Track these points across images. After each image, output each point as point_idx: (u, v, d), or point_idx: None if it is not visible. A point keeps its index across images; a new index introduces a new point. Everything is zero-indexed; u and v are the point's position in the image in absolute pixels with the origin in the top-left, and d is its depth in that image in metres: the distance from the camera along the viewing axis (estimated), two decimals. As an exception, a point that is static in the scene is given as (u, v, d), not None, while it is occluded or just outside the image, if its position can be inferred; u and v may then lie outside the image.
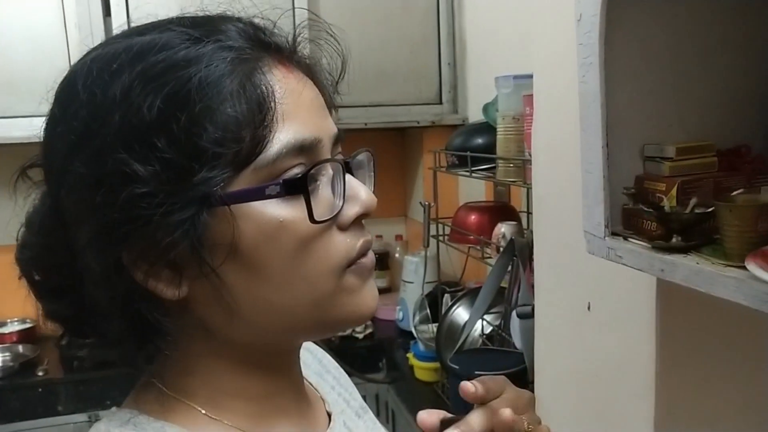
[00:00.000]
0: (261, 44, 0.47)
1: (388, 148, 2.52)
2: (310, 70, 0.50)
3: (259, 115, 0.43)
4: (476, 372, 1.11)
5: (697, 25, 0.64)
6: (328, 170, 0.47)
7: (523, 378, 1.15)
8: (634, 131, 0.66)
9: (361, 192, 0.48)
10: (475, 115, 1.99)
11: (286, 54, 0.48)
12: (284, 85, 0.46)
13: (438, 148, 1.72)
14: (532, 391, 1.05)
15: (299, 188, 0.44)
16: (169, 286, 0.45)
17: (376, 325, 2.22)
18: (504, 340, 1.33)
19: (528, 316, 1.12)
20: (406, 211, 2.64)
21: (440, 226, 1.74)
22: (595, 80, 0.62)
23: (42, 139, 0.48)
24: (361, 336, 2.13)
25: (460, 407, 1.21)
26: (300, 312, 0.47)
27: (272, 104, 0.44)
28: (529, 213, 1.58)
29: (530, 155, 1.15)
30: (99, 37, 1.87)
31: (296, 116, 0.45)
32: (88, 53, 0.48)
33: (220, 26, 0.46)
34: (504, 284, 1.39)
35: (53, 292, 0.49)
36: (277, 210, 0.44)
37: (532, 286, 1.13)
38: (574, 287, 0.91)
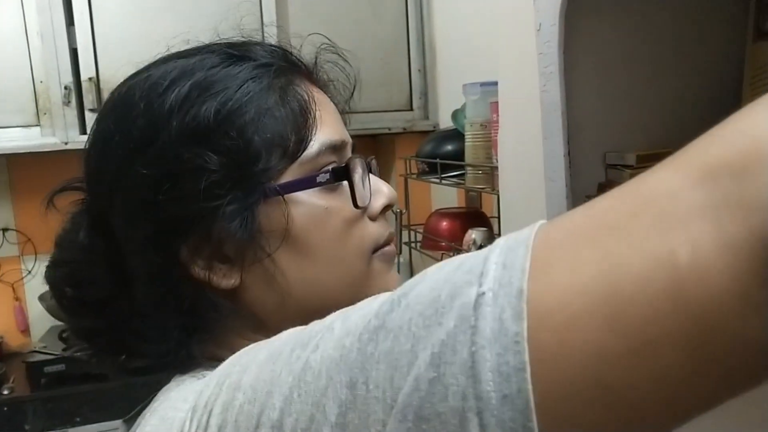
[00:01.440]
0: (291, 63, 0.54)
1: (360, 155, 2.51)
2: (326, 87, 0.58)
3: (301, 118, 0.50)
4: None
5: (654, 32, 0.65)
6: (357, 167, 0.53)
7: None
8: (596, 139, 0.66)
9: (383, 187, 0.56)
10: (446, 121, 2.00)
11: (310, 72, 0.56)
12: (315, 96, 0.53)
13: (409, 155, 1.72)
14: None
15: (345, 176, 0.52)
16: (225, 276, 0.49)
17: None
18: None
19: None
20: (379, 217, 2.63)
21: (413, 233, 1.73)
22: (555, 89, 0.63)
23: (89, 156, 0.52)
24: (335, 344, 2.12)
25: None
26: (341, 291, 0.52)
27: (312, 109, 0.51)
28: (500, 219, 1.59)
29: (498, 162, 1.15)
30: (62, 47, 1.84)
31: (327, 122, 0.53)
32: (135, 75, 0.52)
33: (252, 48, 0.53)
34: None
35: (86, 306, 0.53)
36: (323, 198, 0.51)
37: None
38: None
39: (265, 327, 0.51)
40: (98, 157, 0.52)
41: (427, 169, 1.54)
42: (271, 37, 0.58)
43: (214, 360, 0.50)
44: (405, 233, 1.74)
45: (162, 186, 0.47)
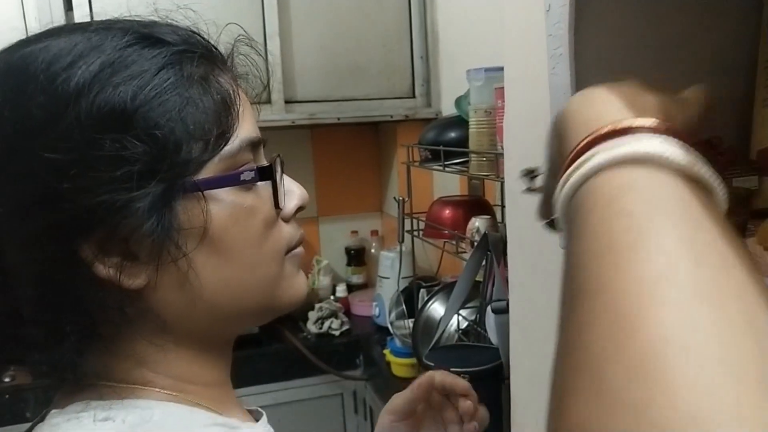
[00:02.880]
0: (207, 50, 0.51)
1: (361, 143, 2.50)
2: (240, 80, 0.55)
3: (224, 111, 0.48)
4: (452, 369, 1.10)
5: (668, 14, 0.63)
6: (278, 167, 0.52)
7: (500, 374, 1.14)
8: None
9: (295, 188, 0.55)
10: (448, 109, 1.98)
11: (226, 63, 0.53)
12: (236, 90, 0.51)
13: (411, 143, 1.71)
14: (509, 387, 1.04)
15: (269, 175, 0.50)
16: (133, 275, 0.45)
17: (352, 321, 2.20)
18: (480, 335, 1.32)
19: (503, 312, 1.11)
20: (381, 206, 2.62)
21: (414, 221, 1.72)
22: (565, 72, 0.61)
23: None
24: (337, 333, 2.12)
25: (437, 404, 1.18)
26: (254, 293, 0.51)
27: (236, 103, 0.49)
28: (503, 206, 1.57)
29: (502, 149, 1.14)
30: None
31: (246, 117, 0.51)
32: (24, 44, 0.46)
33: (164, 30, 0.49)
34: (479, 278, 1.38)
35: None
36: (243, 197, 0.49)
37: (507, 281, 1.11)
38: (549, 281, 0.90)
39: (172, 330, 0.49)
40: None
41: (429, 156, 1.53)
42: (186, 20, 0.53)
43: (109, 380, 0.47)
44: (407, 221, 1.73)
45: (66, 173, 0.42)
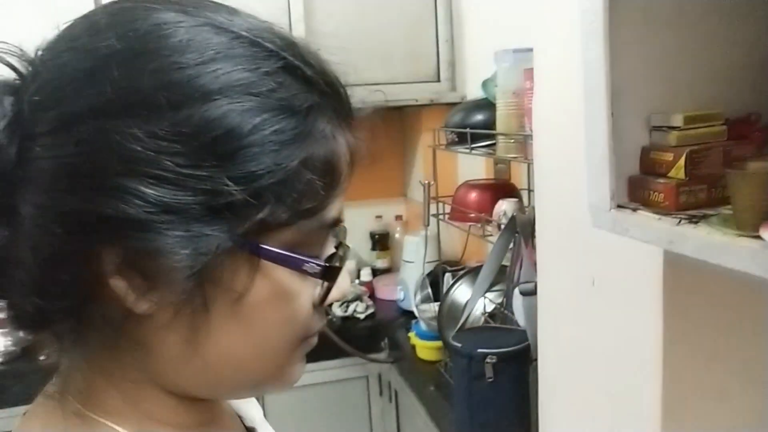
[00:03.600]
0: (342, 106, 0.45)
1: (386, 128, 2.49)
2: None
3: (328, 185, 0.42)
4: (479, 350, 1.10)
5: (705, -12, 0.62)
6: (345, 265, 0.47)
7: (527, 356, 1.14)
8: (640, 100, 0.64)
9: (343, 281, 0.47)
10: (473, 93, 1.97)
11: (352, 123, 0.46)
12: (350, 161, 0.45)
13: (436, 127, 1.70)
14: (536, 369, 1.04)
15: (332, 277, 0.44)
16: (141, 297, 0.40)
17: (377, 305, 2.22)
18: (506, 318, 1.32)
19: (531, 293, 1.11)
20: (405, 191, 2.62)
21: (440, 205, 1.72)
22: (599, 47, 0.60)
23: (60, 64, 0.40)
24: (362, 316, 2.13)
25: (463, 388, 1.20)
26: (254, 371, 0.46)
27: (344, 179, 0.44)
28: (530, 191, 1.56)
29: (531, 130, 1.13)
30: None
31: (340, 193, 0.45)
32: (177, 12, 0.41)
33: (317, 68, 0.44)
34: (506, 262, 1.38)
35: None
36: (295, 280, 0.43)
37: (534, 264, 1.11)
38: (578, 263, 0.89)
39: (156, 370, 0.44)
40: (74, 78, 0.39)
41: (456, 139, 1.53)
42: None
43: (80, 393, 0.44)
44: (432, 205, 1.73)
45: (134, 168, 0.37)
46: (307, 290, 0.44)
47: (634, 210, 0.61)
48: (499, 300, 1.38)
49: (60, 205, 0.38)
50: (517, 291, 1.18)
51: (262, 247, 0.41)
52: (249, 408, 0.61)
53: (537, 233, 1.00)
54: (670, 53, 0.63)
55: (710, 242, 0.51)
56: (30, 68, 0.41)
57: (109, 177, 0.38)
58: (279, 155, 0.40)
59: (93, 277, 0.40)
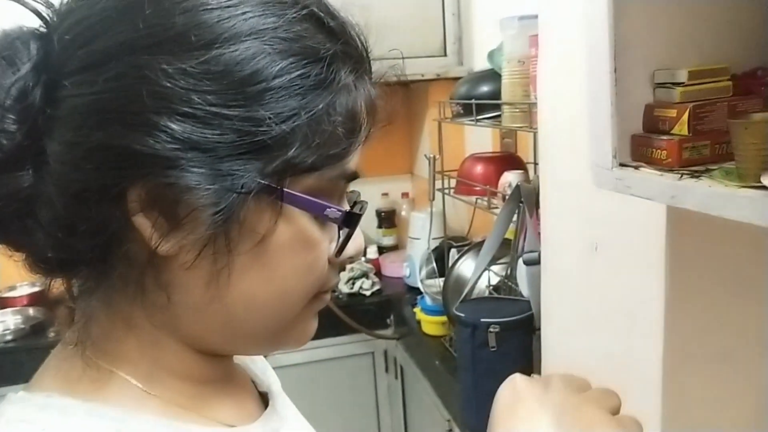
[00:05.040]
0: (362, 58, 0.47)
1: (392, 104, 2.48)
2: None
3: (350, 133, 0.44)
4: (482, 320, 1.10)
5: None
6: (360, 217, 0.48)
7: (530, 325, 1.13)
8: (644, 56, 0.63)
9: (358, 238, 0.49)
10: (480, 67, 1.94)
11: (371, 77, 0.48)
12: (371, 111, 0.47)
13: (443, 100, 1.69)
14: (539, 338, 1.04)
15: (353, 224, 0.46)
16: (164, 237, 0.41)
17: (383, 282, 2.22)
18: (510, 289, 1.31)
19: (534, 263, 1.10)
20: (412, 168, 2.61)
21: (446, 179, 1.71)
22: (602, 1, 0.59)
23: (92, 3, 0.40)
24: (368, 293, 2.13)
25: (467, 358, 1.20)
26: (270, 321, 0.47)
27: (364, 128, 0.45)
28: (536, 164, 1.55)
29: (536, 98, 1.12)
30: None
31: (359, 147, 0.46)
32: None
33: (338, 20, 0.46)
34: (509, 236, 1.37)
35: None
36: (315, 228, 0.45)
37: (539, 233, 1.10)
38: (581, 229, 0.88)
39: (174, 317, 0.45)
40: (106, 16, 0.40)
41: (462, 111, 1.51)
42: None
43: (94, 343, 0.44)
44: (438, 181, 1.72)
45: (166, 105, 0.38)
46: (326, 241, 0.46)
47: (637, 168, 0.60)
48: (504, 272, 1.37)
49: (89, 141, 0.39)
50: (521, 261, 1.17)
51: (286, 191, 0.42)
52: (267, 377, 0.61)
53: (540, 200, 1.00)
54: (675, 8, 0.62)
55: (712, 194, 0.50)
56: (58, 12, 0.42)
57: (139, 113, 0.38)
58: (304, 99, 0.41)
59: (118, 216, 0.40)
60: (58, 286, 0.46)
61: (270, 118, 0.40)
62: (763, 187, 0.45)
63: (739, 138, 0.50)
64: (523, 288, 1.19)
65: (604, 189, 0.64)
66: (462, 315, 1.12)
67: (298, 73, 0.41)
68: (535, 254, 1.10)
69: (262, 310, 0.45)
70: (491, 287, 1.39)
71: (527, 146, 1.64)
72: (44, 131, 0.40)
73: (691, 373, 0.72)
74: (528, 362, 1.12)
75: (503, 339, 1.09)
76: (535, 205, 1.14)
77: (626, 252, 0.80)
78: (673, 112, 0.60)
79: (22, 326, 1.97)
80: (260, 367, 0.63)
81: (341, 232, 0.47)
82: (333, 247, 0.47)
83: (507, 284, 1.34)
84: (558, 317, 0.99)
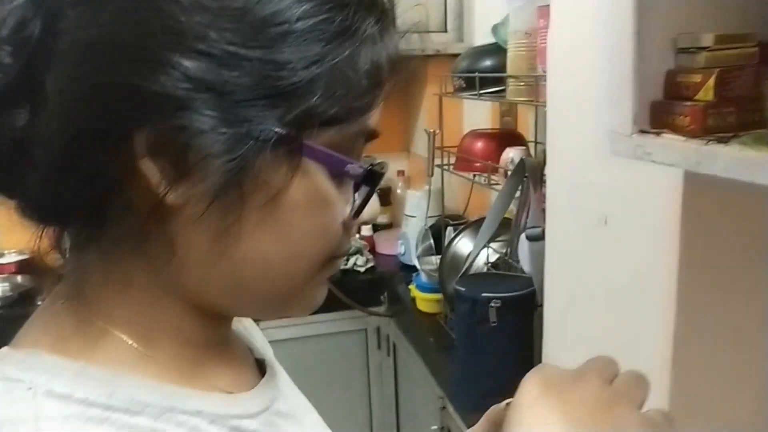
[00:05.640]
0: (387, 10, 0.44)
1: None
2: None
3: (374, 86, 0.41)
4: (483, 294, 1.09)
5: None
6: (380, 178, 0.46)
7: (532, 301, 1.12)
8: (667, 20, 0.61)
9: (374, 202, 0.46)
10: (480, 43, 1.92)
11: (395, 31, 0.45)
12: (394, 65, 0.44)
13: (443, 75, 1.66)
14: (541, 314, 1.03)
15: (373, 184, 0.44)
16: (172, 186, 0.38)
17: (377, 260, 2.20)
18: (510, 266, 1.30)
19: (538, 239, 1.09)
20: (408, 146, 2.58)
21: (445, 156, 1.69)
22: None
23: None
24: (362, 269, 2.12)
25: (465, 333, 1.19)
26: (279, 284, 0.44)
27: (387, 82, 0.42)
28: (536, 142, 1.53)
29: (543, 71, 1.09)
30: None
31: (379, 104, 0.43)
32: None
33: None
34: (509, 215, 1.35)
35: None
36: (332, 187, 0.42)
37: (543, 209, 1.09)
38: (590, 201, 0.87)
39: (177, 274, 0.42)
40: None
41: (464, 85, 1.49)
42: None
43: (87, 298, 0.41)
44: (437, 157, 1.70)
45: (182, 41, 0.35)
46: (342, 199, 0.44)
47: (658, 134, 0.59)
48: (503, 250, 1.36)
49: (92, 78, 0.36)
50: (523, 237, 1.16)
51: (304, 143, 0.39)
52: (262, 344, 0.59)
53: (547, 172, 0.98)
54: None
55: (743, 158, 0.48)
56: None
57: (150, 48, 0.35)
58: (328, 45, 0.38)
59: (121, 161, 0.37)
60: (49, 237, 0.42)
61: (291, 63, 0.37)
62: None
63: (771, 101, 0.48)
64: (525, 264, 1.17)
65: (621, 157, 0.62)
66: (462, 289, 1.11)
67: (323, 17, 0.38)
68: (539, 229, 1.08)
69: (272, 271, 0.43)
70: (490, 264, 1.37)
71: (526, 123, 1.62)
72: (43, 66, 0.37)
73: (702, 349, 0.71)
74: (528, 340, 1.11)
75: (504, 315, 1.08)
76: (539, 180, 1.13)
77: (638, 225, 0.78)
78: (697, 78, 0.58)
79: (10, 293, 1.94)
80: (253, 334, 0.61)
81: (357, 194, 0.45)
82: (348, 209, 0.45)
83: (506, 261, 1.32)
84: (562, 293, 0.98)
